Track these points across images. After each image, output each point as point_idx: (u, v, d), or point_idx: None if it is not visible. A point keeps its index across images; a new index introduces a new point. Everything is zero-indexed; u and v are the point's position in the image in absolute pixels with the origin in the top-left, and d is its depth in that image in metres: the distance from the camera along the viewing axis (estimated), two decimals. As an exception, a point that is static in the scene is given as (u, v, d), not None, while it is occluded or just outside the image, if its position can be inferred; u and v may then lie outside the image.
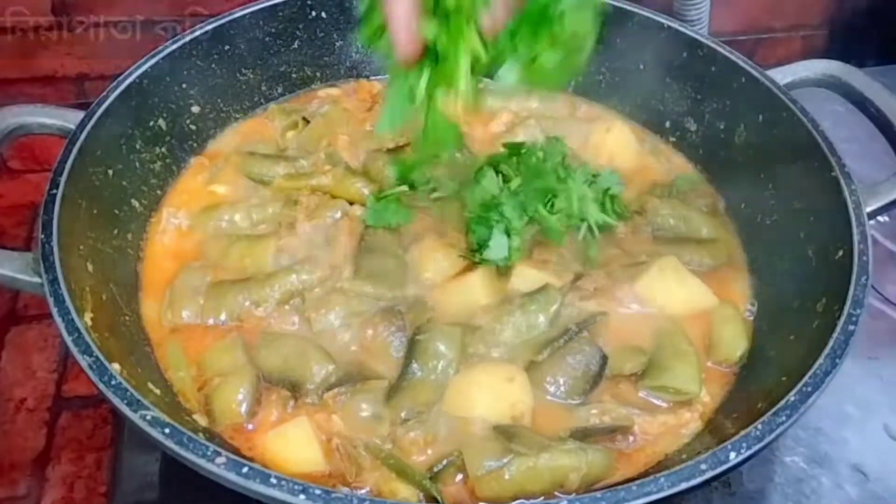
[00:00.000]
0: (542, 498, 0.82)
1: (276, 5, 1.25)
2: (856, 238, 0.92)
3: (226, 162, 1.19)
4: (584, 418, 0.91)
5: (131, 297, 1.00)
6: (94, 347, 0.78)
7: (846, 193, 0.96)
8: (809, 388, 0.78)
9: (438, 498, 0.82)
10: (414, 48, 0.74)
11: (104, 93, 1.05)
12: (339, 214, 1.09)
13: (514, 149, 1.12)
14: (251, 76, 1.28)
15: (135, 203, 1.09)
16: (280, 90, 1.33)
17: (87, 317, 0.84)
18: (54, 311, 0.81)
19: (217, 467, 0.69)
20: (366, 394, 0.90)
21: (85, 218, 0.97)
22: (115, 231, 1.04)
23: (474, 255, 1.02)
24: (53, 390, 1.33)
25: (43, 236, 0.87)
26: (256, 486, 0.68)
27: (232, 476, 0.69)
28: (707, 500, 0.99)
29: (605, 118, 1.31)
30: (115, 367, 0.78)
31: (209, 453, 0.70)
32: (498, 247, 1.01)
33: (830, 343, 0.82)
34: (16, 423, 1.29)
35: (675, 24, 1.22)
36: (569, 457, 0.82)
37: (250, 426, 0.89)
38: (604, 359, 0.94)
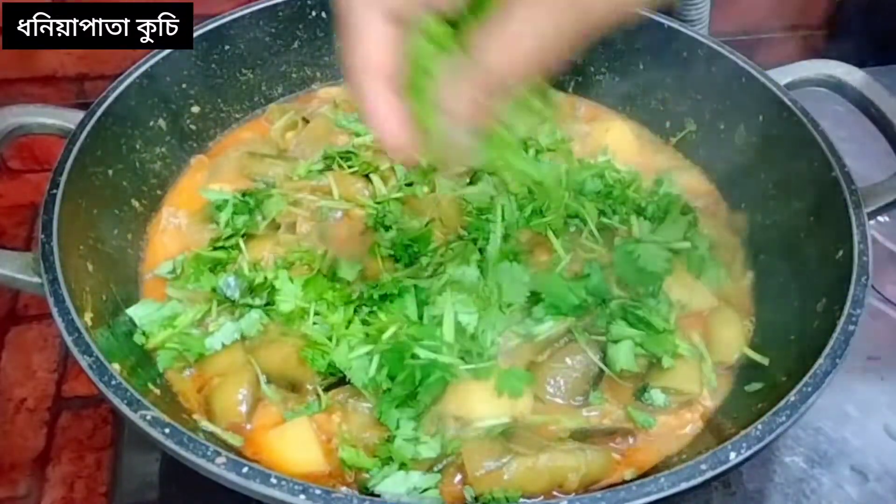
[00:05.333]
0: (542, 498, 0.82)
1: (276, 5, 1.24)
2: (856, 238, 0.91)
3: (225, 162, 1.19)
4: (584, 419, 0.91)
5: (131, 297, 1.00)
6: (93, 347, 0.78)
7: (846, 193, 0.96)
8: (809, 388, 0.78)
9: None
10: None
11: (104, 93, 1.05)
12: (339, 214, 1.09)
13: None
14: (251, 76, 1.28)
15: (135, 203, 1.09)
16: (280, 90, 1.33)
17: (87, 317, 0.84)
18: (54, 311, 0.81)
19: (217, 467, 0.69)
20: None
21: (85, 218, 0.97)
22: (115, 231, 1.03)
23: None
24: (53, 390, 1.33)
25: (43, 236, 0.87)
26: (256, 486, 0.68)
27: (232, 476, 0.69)
28: (707, 500, 0.99)
29: (604, 118, 1.31)
30: (115, 367, 0.78)
31: (209, 453, 0.70)
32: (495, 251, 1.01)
33: (830, 343, 0.82)
34: (16, 423, 1.29)
35: (675, 24, 1.21)
36: (568, 457, 0.82)
37: (250, 426, 0.89)
38: (604, 359, 0.94)
